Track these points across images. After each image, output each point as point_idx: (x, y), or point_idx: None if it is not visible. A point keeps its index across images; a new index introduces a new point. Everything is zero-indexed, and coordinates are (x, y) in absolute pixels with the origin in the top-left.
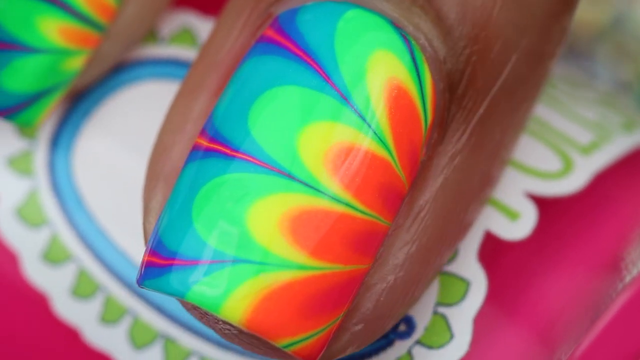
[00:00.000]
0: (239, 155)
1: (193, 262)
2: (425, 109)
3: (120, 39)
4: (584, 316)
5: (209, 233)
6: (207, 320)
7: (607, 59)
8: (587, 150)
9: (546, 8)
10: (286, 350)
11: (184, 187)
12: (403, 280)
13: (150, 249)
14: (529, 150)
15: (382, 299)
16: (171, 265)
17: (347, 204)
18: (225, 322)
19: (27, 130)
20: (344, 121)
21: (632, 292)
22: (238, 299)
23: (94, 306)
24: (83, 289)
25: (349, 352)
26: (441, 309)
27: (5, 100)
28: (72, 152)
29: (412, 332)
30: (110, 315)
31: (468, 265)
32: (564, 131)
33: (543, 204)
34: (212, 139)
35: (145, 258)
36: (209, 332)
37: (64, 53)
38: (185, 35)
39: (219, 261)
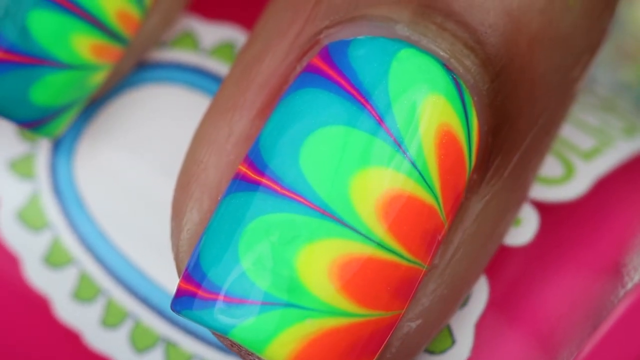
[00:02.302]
0: (290, 194)
1: (240, 301)
2: (470, 153)
3: (138, 51)
4: (586, 322)
5: (258, 274)
6: (238, 350)
7: (607, 60)
8: (588, 155)
9: (585, 47)
10: None
11: (228, 218)
12: (433, 320)
13: (189, 276)
14: None
15: (412, 339)
16: (215, 300)
17: (395, 252)
18: (259, 357)
19: (28, 132)
20: (396, 168)
21: (633, 298)
22: (283, 343)
23: (95, 310)
24: (84, 292)
25: None
26: None
27: (33, 113)
28: (74, 155)
29: None
30: (112, 319)
31: None
32: (566, 137)
33: (545, 209)
34: (260, 172)
35: (182, 284)
36: (210, 336)
37: (91, 68)
38: (187, 39)
39: (267, 303)
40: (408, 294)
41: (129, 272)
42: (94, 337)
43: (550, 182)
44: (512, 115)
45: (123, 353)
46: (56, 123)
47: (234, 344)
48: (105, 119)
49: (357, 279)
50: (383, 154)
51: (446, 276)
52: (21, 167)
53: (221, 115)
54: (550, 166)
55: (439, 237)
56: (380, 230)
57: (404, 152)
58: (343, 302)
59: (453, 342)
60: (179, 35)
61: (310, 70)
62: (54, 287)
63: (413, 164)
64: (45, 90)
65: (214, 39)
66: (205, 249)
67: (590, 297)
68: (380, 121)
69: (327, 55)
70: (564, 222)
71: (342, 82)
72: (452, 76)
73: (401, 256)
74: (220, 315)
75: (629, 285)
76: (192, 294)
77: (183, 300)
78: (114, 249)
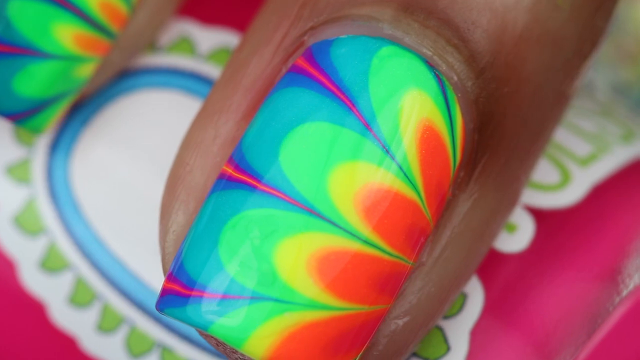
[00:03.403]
0: (269, 190)
1: (219, 296)
2: (454, 150)
3: (127, 47)
4: (581, 329)
5: (236, 268)
6: (223, 349)
7: (607, 60)
8: (585, 162)
9: (576, 48)
10: None
11: (210, 216)
12: (420, 318)
13: (172, 275)
14: None
15: (399, 337)
16: (195, 296)
17: (375, 246)
18: (243, 355)
19: (25, 136)
20: (374, 162)
21: (629, 305)
22: (262, 336)
23: (91, 315)
24: (80, 297)
25: None
26: (438, 322)
27: (17, 105)
28: (70, 160)
29: None
30: (107, 324)
31: None
32: (563, 143)
33: (541, 216)
34: (241, 170)
35: (166, 284)
36: (206, 342)
37: (76, 59)
38: (184, 44)
39: (244, 297)
40: (392, 290)
41: (125, 277)
42: (90, 342)
43: (546, 188)
44: (498, 113)
45: (119, 358)
46: (42, 117)
47: (219, 342)
48: (101, 124)
49: (336, 272)
50: (362, 148)
51: (434, 274)
52: (17, 172)
53: (208, 118)
54: (546, 172)
55: (425, 233)
56: (359, 224)
57: (384, 147)
58: (322, 296)
59: (448, 348)
60: (175, 41)
61: (294, 70)
62: (50, 291)
63: (393, 158)
64: (29, 81)
65: (211, 44)
66: (188, 248)
67: (586, 304)
68: (360, 117)
69: (310, 55)
70: (560, 229)
71: (323, 79)
72: (435, 73)
73: (382, 250)
74: (200, 311)
75: (625, 292)
76: (174, 292)
77: (166, 299)
78: (110, 254)
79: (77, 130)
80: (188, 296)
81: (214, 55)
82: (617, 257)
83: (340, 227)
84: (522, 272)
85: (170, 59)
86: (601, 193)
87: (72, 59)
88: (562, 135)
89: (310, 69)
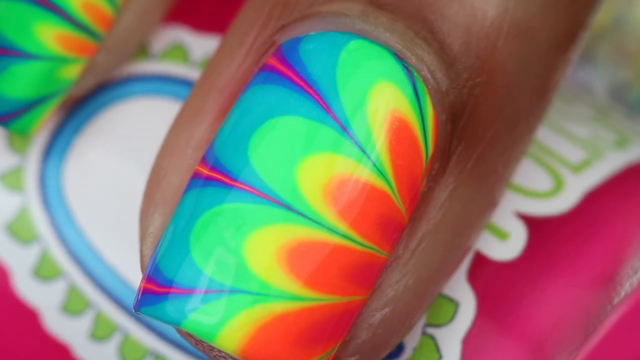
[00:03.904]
0: (238, 185)
1: (189, 291)
2: (426, 141)
3: (114, 50)
4: (574, 336)
5: (205, 262)
6: (202, 347)
7: (607, 59)
8: (578, 168)
9: (552, 41)
10: None
11: (182, 215)
12: (400, 311)
13: (148, 276)
14: (520, 168)
15: (378, 330)
16: (168, 293)
17: (345, 236)
18: (220, 351)
19: (17, 144)
20: (343, 153)
21: (622, 312)
22: (233, 328)
23: (84, 323)
24: (73, 305)
25: None
26: (430, 330)
27: (2, 106)
28: (63, 167)
29: (400, 353)
30: (101, 331)
31: (457, 285)
32: (555, 149)
33: (533, 223)
34: (212, 168)
35: (142, 285)
36: (198, 350)
37: (60, 60)
38: (177, 51)
39: (215, 291)
40: (367, 281)
41: (118, 285)
42: (83, 350)
43: (538, 195)
44: (471, 103)
45: None
46: (29, 118)
47: (197, 340)
48: (94, 132)
49: (306, 263)
50: (330, 139)
51: (410, 266)
52: (10, 180)
53: (183, 123)
54: (539, 179)
55: (398, 225)
56: (328, 215)
57: (352, 138)
58: (293, 286)
59: (440, 357)
60: (168, 48)
61: (264, 69)
62: (43, 299)
63: (361, 149)
64: (13, 81)
65: (204, 51)
66: (162, 248)
67: (580, 311)
68: (327, 109)
69: (279, 53)
70: (553, 236)
71: (291, 75)
72: (404, 65)
73: (353, 240)
74: (172, 307)
75: (617, 300)
76: (149, 292)
77: (142, 299)
78: (103, 262)
79: (70, 137)
80: (161, 294)
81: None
82: (610, 264)
83: (310, 219)
84: (514, 280)
85: (163, 66)
86: (594, 200)
87: (56, 60)
88: (554, 142)
89: (280, 66)
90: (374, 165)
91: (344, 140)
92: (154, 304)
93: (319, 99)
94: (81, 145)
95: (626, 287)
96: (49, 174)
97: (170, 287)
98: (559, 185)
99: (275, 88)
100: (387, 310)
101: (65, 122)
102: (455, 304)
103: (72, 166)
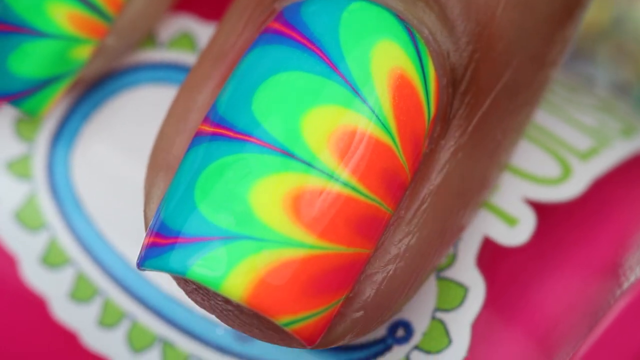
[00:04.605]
0: (242, 137)
1: (195, 239)
2: (428, 101)
3: (124, 34)
4: (582, 322)
5: (211, 211)
6: (209, 305)
7: (607, 59)
8: (585, 156)
9: (549, 14)
10: (287, 328)
11: (186, 170)
12: (402, 270)
13: (152, 231)
14: (528, 156)
15: (382, 287)
16: (173, 243)
17: (350, 186)
18: (226, 302)
19: (25, 132)
20: (348, 106)
21: (630, 299)
22: (239, 275)
23: (92, 310)
24: (81, 292)
25: (348, 339)
26: (439, 315)
27: (13, 84)
28: (71, 155)
29: (410, 338)
30: (109, 318)
31: (466, 270)
32: (563, 137)
33: (541, 209)
34: (216, 124)
35: (146, 240)
36: (208, 335)
37: (72, 40)
38: (185, 40)
39: (221, 237)
40: (371, 234)
41: (126, 272)
42: (91, 337)
43: (547, 182)
44: (472, 68)
45: (120, 353)
46: (39, 98)
47: (204, 296)
48: (102, 120)
49: (312, 210)
50: (334, 93)
51: (412, 226)
52: (18, 168)
53: (186, 91)
54: (547, 166)
55: (402, 182)
56: (333, 164)
57: (356, 92)
58: (299, 233)
59: (449, 341)
60: (176, 36)
61: (266, 32)
62: (51, 287)
63: (365, 102)
64: (25, 59)
65: None
66: (166, 203)
67: (587, 297)
68: (331, 64)
69: (281, 16)
70: (561, 222)
71: (294, 34)
72: (406, 26)
73: (358, 191)
74: (177, 257)
75: (626, 285)
76: (153, 245)
77: (145, 253)
78: (111, 249)
79: (77, 125)
80: (165, 245)
81: None
82: (618, 250)
83: (315, 168)
84: (523, 266)
85: (171, 55)
86: (602, 187)
87: (68, 39)
88: (562, 130)
89: (282, 28)
90: (378, 119)
91: (348, 94)
92: (158, 256)
93: (323, 56)
94: (89, 132)
95: (634, 273)
96: (57, 162)
97: (176, 238)
98: (567, 172)
99: (278, 47)
100: (390, 268)
101: (73, 109)
102: (464, 289)
103: (80, 154)
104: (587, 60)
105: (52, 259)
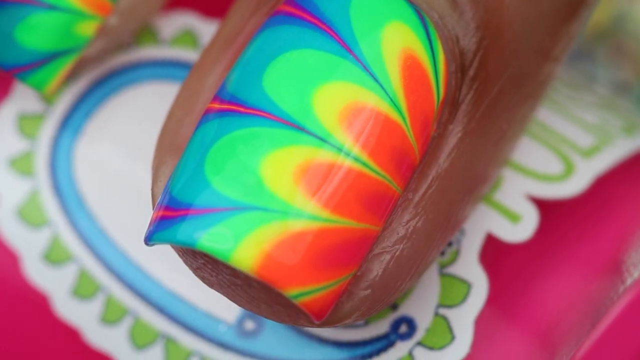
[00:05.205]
0: (254, 111)
1: (205, 211)
2: (437, 84)
3: (127, 14)
4: (585, 319)
5: (222, 183)
6: (217, 281)
7: (607, 59)
8: (588, 153)
9: (555, 9)
10: (295, 301)
11: (196, 146)
12: (409, 251)
13: (161, 205)
14: (531, 152)
15: (389, 267)
16: (184, 215)
17: (361, 161)
18: (234, 275)
19: (28, 129)
20: (359, 83)
21: (633, 295)
22: (249, 246)
23: (94, 306)
24: (84, 289)
25: (355, 318)
26: (442, 311)
27: (20, 56)
28: (73, 152)
29: (413, 333)
30: (111, 315)
31: (469, 267)
32: (565, 134)
33: (544, 206)
34: (224, 101)
35: (155, 214)
36: (211, 332)
37: (78, 14)
38: (187, 37)
39: (230, 209)
40: (380, 211)
41: (129, 268)
42: (94, 333)
43: (550, 179)
44: (480, 54)
45: (122, 349)
46: (45, 73)
47: (211, 273)
48: (104, 116)
49: (322, 183)
50: (346, 70)
51: (420, 208)
52: (21, 165)
53: (195, 75)
54: (549, 163)
55: (411, 162)
56: (344, 138)
57: (367, 70)
58: (309, 205)
59: (452, 337)
60: (179, 33)
61: (276, 14)
62: (53, 283)
63: (376, 80)
64: (31, 31)
65: None
66: (175, 178)
67: (590, 294)
68: (341, 42)
69: (290, 0)
70: (564, 219)
71: (305, 15)
72: (416, 10)
73: (368, 166)
74: (186, 228)
75: (629, 282)
76: (161, 218)
77: (153, 227)
78: (114, 246)
79: (80, 122)
80: (174, 217)
81: None
82: (620, 247)
83: (327, 142)
84: (526, 262)
85: (173, 52)
86: (604, 184)
87: (74, 13)
88: (565, 127)
89: (291, 9)
90: (389, 96)
91: (360, 72)
92: (167, 229)
93: (334, 34)
94: (92, 129)
95: (637, 270)
96: (59, 158)
97: (187, 210)
98: (569, 169)
99: (289, 27)
100: (397, 248)
101: (76, 106)
102: (467, 285)
103: (83, 150)
104: (587, 60)
105: (55, 255)
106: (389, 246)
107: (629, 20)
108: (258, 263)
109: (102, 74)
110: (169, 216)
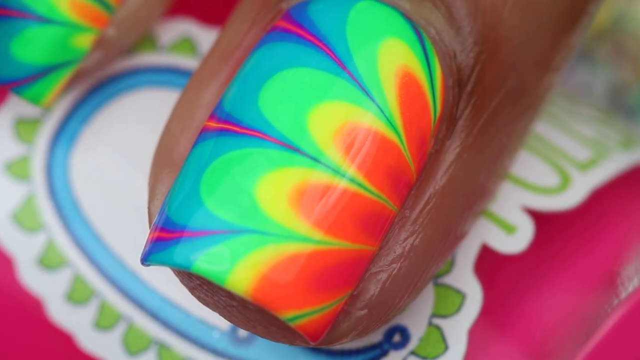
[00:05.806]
0: (249, 132)
1: (200, 234)
2: (434, 100)
3: (124, 26)
4: (579, 331)
5: (217, 205)
6: (213, 301)
7: (607, 59)
8: (584, 166)
9: (555, 20)
10: (291, 324)
11: (192, 166)
12: (407, 269)
13: (157, 226)
14: (527, 165)
15: (386, 286)
16: (179, 238)
17: (356, 182)
18: (230, 297)
19: (24, 133)
20: (355, 102)
21: (627, 308)
22: (244, 269)
23: (88, 312)
24: (78, 294)
25: (351, 337)
26: (436, 321)
27: (15, 70)
28: (70, 157)
29: (406, 343)
30: (105, 321)
31: (464, 277)
32: (562, 147)
33: (540, 218)
34: (222, 120)
35: (151, 235)
36: (204, 338)
37: (74, 27)
38: (185, 44)
39: (226, 232)
40: (376, 231)
41: (123, 274)
42: (87, 339)
43: (546, 191)
44: (478, 69)
45: (116, 355)
46: (41, 86)
47: (207, 294)
48: (101, 122)
49: (317, 205)
50: (341, 89)
51: (417, 226)
52: (17, 169)
53: (192, 90)
54: (546, 176)
55: (407, 180)
56: (339, 159)
57: (363, 89)
58: (303, 227)
59: (446, 347)
60: (177, 40)
61: (273, 30)
62: (47, 288)
63: (372, 99)
64: (27, 45)
65: None
66: (170, 199)
67: (584, 307)
68: (338, 61)
69: (287, 15)
70: (559, 232)
71: (301, 32)
72: (413, 26)
73: (364, 187)
74: (182, 251)
75: (623, 295)
76: (158, 239)
77: (149, 248)
78: (108, 251)
79: (77, 127)
80: (170, 239)
81: None
82: (615, 260)
83: (322, 163)
84: (520, 273)
85: (171, 59)
86: (600, 197)
87: (70, 26)
88: (562, 140)
89: (289, 26)
90: (384, 115)
91: (356, 91)
92: (163, 250)
93: (330, 53)
94: (89, 135)
95: (631, 283)
96: (55, 164)
97: (181, 232)
98: (565, 182)
99: (285, 44)
100: (394, 267)
101: (73, 111)
102: (462, 295)
103: (79, 156)
104: (587, 61)
105: (49, 260)
106: (386, 265)
107: (629, 20)
108: (253, 286)
109: (99, 79)
110: (165, 237)
